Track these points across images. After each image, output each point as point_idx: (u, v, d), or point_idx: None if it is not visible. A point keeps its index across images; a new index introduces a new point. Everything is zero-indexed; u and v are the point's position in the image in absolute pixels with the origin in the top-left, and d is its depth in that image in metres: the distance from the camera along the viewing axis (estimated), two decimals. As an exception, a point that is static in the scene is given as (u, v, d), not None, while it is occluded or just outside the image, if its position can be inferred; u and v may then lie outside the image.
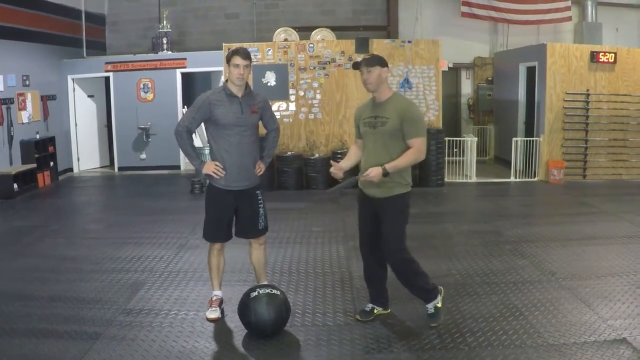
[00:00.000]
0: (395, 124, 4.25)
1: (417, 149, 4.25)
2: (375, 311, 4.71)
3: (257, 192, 4.73)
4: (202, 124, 4.71)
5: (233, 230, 4.78)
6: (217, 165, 4.52)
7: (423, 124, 4.36)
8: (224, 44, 11.14)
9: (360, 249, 4.71)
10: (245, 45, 10.97)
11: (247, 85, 4.63)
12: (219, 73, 12.36)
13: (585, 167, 11.15)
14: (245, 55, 4.49)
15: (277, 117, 10.54)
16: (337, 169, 4.40)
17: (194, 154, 4.67)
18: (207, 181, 4.73)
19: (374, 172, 4.18)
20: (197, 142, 9.74)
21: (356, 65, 4.43)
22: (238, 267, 5.88)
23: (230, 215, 4.69)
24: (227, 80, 4.59)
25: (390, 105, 4.32)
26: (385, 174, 4.18)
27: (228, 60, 4.50)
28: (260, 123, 4.76)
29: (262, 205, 4.76)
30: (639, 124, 11.13)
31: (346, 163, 4.59)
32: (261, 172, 4.74)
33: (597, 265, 6.01)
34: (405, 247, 4.39)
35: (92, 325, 4.64)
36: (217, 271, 4.81)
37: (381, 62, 4.36)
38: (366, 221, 4.56)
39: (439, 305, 4.49)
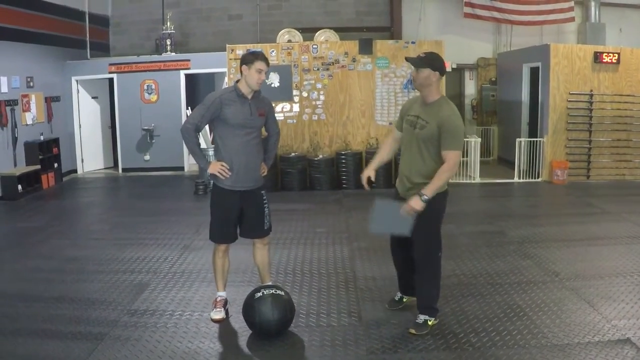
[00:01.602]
0: (432, 130, 4.18)
1: (451, 163, 4.14)
2: (404, 300, 4.83)
3: (262, 192, 4.76)
4: (207, 126, 4.73)
5: (238, 231, 4.80)
6: (223, 166, 4.54)
7: (461, 136, 4.22)
8: (227, 46, 11.17)
9: (391, 246, 4.74)
10: (248, 46, 11.01)
11: None
12: (222, 74, 12.38)
13: (588, 167, 11.13)
14: (267, 60, 4.54)
15: (281, 118, 10.74)
16: (367, 177, 4.52)
17: (200, 152, 4.68)
18: (212, 182, 4.74)
19: (414, 204, 4.11)
20: (202, 143, 9.76)
21: (408, 59, 4.41)
22: (242, 267, 5.88)
23: (236, 215, 4.70)
24: (238, 81, 4.61)
25: (433, 109, 4.24)
26: (425, 200, 4.11)
27: (247, 62, 4.49)
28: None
29: (267, 205, 4.79)
30: (643, 124, 11.12)
31: (376, 161, 4.63)
32: (265, 173, 4.78)
33: (601, 265, 6.00)
34: (433, 252, 4.36)
35: (97, 326, 4.66)
36: (221, 272, 4.83)
37: (433, 64, 4.24)
38: None
39: (430, 323, 4.46)
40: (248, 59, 4.50)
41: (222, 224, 4.69)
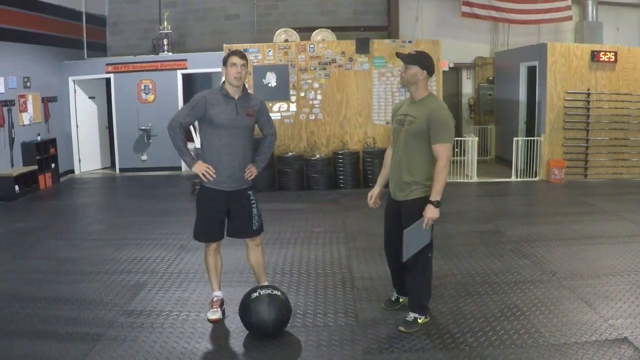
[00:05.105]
0: (421, 125, 4.19)
1: (444, 159, 4.13)
2: (401, 300, 4.83)
3: (249, 192, 4.70)
4: (197, 124, 4.72)
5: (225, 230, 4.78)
6: (208, 168, 4.52)
7: (450, 129, 4.21)
8: (224, 45, 11.14)
9: (384, 247, 4.74)
10: (245, 46, 11.01)
11: (244, 87, 4.64)
12: (219, 74, 12.35)
13: (586, 166, 11.14)
14: (242, 55, 4.52)
15: (278, 117, 10.70)
16: (374, 200, 4.61)
17: (185, 149, 4.60)
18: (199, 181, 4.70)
19: (430, 213, 4.13)
20: (198, 142, 9.73)
21: (398, 55, 4.41)
22: (240, 268, 5.87)
23: (222, 215, 4.66)
24: (224, 82, 4.60)
25: (422, 105, 4.27)
26: (437, 204, 4.13)
27: (224, 62, 4.54)
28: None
29: (255, 206, 4.72)
30: (640, 123, 11.14)
31: (382, 179, 4.68)
32: (252, 177, 4.69)
33: (598, 264, 6.00)
34: (424, 252, 4.34)
35: (94, 327, 4.65)
36: (214, 271, 4.82)
37: (421, 62, 4.26)
38: (387, 221, 4.59)
39: (420, 321, 4.46)
40: (224, 59, 4.55)
41: (205, 223, 4.67)
